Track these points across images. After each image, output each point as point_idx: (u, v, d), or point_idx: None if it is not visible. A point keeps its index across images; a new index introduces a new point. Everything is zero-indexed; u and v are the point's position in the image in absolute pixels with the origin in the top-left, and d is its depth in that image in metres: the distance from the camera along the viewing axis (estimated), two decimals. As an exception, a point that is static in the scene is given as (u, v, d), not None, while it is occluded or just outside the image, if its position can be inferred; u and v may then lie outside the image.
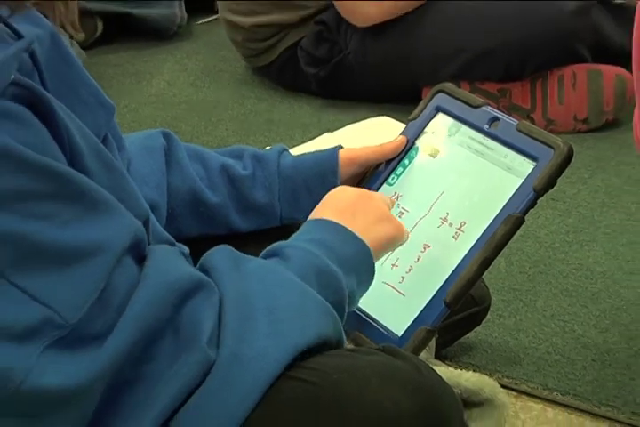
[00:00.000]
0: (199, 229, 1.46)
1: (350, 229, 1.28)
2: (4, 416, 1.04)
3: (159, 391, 1.08)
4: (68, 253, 1.03)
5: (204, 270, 1.18)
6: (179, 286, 1.11)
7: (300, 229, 1.31)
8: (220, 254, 1.21)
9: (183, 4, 2.99)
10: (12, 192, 0.99)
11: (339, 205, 1.35)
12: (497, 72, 2.44)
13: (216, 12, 2.93)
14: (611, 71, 2.44)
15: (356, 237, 1.28)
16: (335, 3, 2.45)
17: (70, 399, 1.04)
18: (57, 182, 1.02)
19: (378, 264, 1.37)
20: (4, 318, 1.00)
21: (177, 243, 1.29)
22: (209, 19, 3.07)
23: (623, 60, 2.47)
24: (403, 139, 1.51)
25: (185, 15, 2.99)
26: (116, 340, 1.05)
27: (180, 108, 2.62)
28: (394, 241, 1.36)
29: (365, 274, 1.29)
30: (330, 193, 1.37)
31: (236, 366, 1.10)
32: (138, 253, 1.11)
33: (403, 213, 1.47)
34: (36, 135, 1.02)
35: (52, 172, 1.01)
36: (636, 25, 1.52)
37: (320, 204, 1.36)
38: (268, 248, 1.27)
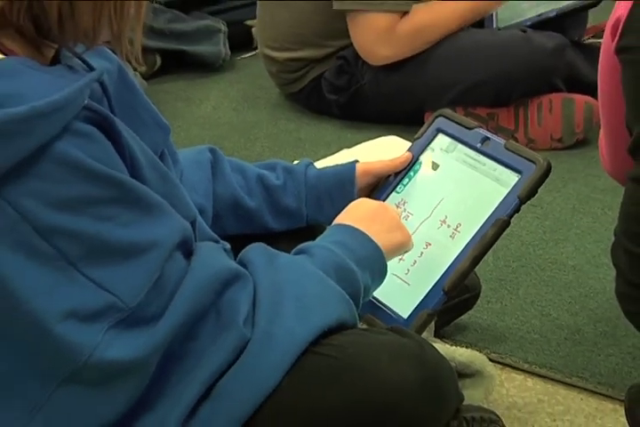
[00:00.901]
0: (239, 229, 1.46)
1: (367, 233, 1.28)
2: (75, 385, 1.04)
3: (203, 364, 1.08)
4: (129, 249, 1.03)
5: (242, 264, 1.18)
6: (220, 277, 1.11)
7: (325, 232, 1.31)
8: (256, 251, 1.22)
9: (227, 42, 2.99)
10: (83, 198, 1.00)
11: (359, 214, 1.34)
12: (487, 99, 2.43)
13: (254, 49, 2.94)
14: (581, 99, 2.43)
15: (372, 241, 1.27)
16: (355, 45, 2.45)
17: (130, 370, 1.05)
18: (119, 190, 1.02)
19: (387, 259, 1.37)
20: (75, 302, 1.01)
21: (220, 240, 1.28)
22: (248, 55, 3.07)
23: (591, 90, 2.45)
24: (409, 155, 1.51)
25: (229, 51, 3.00)
26: (168, 320, 1.05)
27: (223, 129, 2.62)
28: (403, 247, 1.36)
29: (378, 272, 1.28)
30: (352, 203, 1.36)
31: (268, 343, 1.10)
32: (186, 249, 1.11)
33: (408, 217, 1.46)
34: (103, 150, 1.02)
35: (115, 181, 1.02)
36: (600, 63, 1.51)
37: (343, 212, 1.35)
38: (297, 247, 1.27)
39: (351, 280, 1.22)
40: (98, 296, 1.01)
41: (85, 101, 1.01)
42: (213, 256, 1.15)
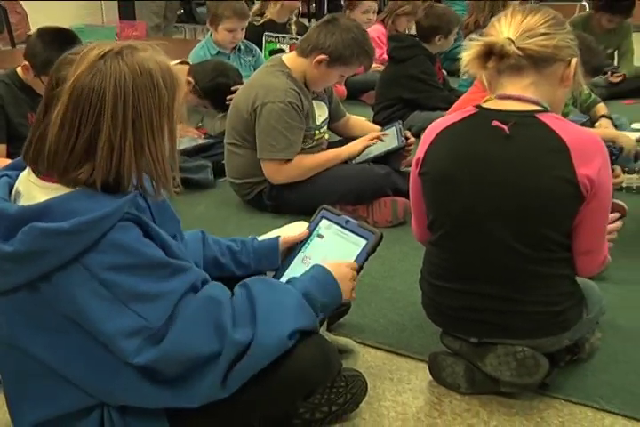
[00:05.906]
0: (218, 275, 1.41)
1: (335, 278, 1.25)
2: (131, 369, 1.02)
3: (221, 361, 1.07)
4: (155, 294, 1.02)
5: (245, 287, 1.14)
6: (208, 305, 1.07)
7: (308, 270, 1.27)
8: (256, 280, 1.19)
9: (212, 172, 2.94)
10: (125, 264, 0.99)
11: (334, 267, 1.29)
12: (350, 201, 2.45)
13: (226, 176, 2.91)
14: (401, 200, 2.46)
15: (336, 282, 1.25)
16: (265, 175, 2.45)
17: (153, 366, 1.02)
18: (146, 260, 1.01)
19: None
20: (123, 326, 0.99)
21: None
22: (223, 179, 3.03)
23: (406, 195, 2.50)
24: (307, 231, 1.51)
25: (213, 177, 2.96)
26: (172, 336, 1.03)
27: (209, 220, 2.59)
28: (349, 290, 1.30)
29: (337, 298, 1.25)
30: (333, 264, 1.30)
31: (260, 345, 1.08)
32: (195, 289, 1.09)
33: (309, 264, 1.44)
34: (136, 234, 1.02)
35: (143, 254, 1.01)
36: (410, 182, 1.54)
37: (327, 265, 1.29)
38: (288, 279, 1.24)
39: (312, 300, 1.19)
40: (137, 321, 1.00)
41: (125, 210, 1.01)
42: (212, 291, 1.10)
